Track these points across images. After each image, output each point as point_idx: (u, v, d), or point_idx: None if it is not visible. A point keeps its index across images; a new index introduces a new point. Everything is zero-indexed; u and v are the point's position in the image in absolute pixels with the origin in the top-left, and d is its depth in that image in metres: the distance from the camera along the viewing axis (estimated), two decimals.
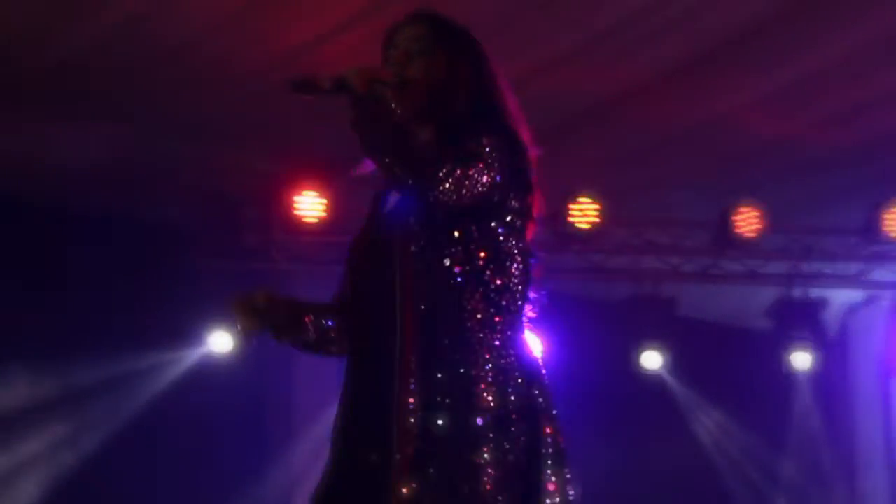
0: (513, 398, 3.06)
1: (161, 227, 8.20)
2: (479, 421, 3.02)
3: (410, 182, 3.07)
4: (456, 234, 3.12)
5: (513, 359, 3.10)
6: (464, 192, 3.04)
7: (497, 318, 3.11)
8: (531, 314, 3.27)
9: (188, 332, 8.34)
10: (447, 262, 3.11)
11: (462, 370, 3.05)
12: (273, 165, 7.93)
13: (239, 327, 3.34)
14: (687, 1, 6.52)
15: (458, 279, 3.10)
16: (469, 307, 3.09)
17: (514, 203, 3.18)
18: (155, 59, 7.05)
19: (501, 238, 3.15)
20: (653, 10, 6.58)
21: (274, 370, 8.53)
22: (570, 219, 8.15)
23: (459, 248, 3.11)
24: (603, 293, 9.02)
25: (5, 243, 7.79)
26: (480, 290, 3.10)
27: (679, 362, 8.91)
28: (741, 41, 6.88)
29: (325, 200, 8.11)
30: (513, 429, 3.04)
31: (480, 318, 3.09)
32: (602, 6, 6.61)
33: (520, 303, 3.18)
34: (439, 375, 3.05)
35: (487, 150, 3.09)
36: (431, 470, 2.98)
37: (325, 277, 8.37)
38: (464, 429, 3.02)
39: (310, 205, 8.14)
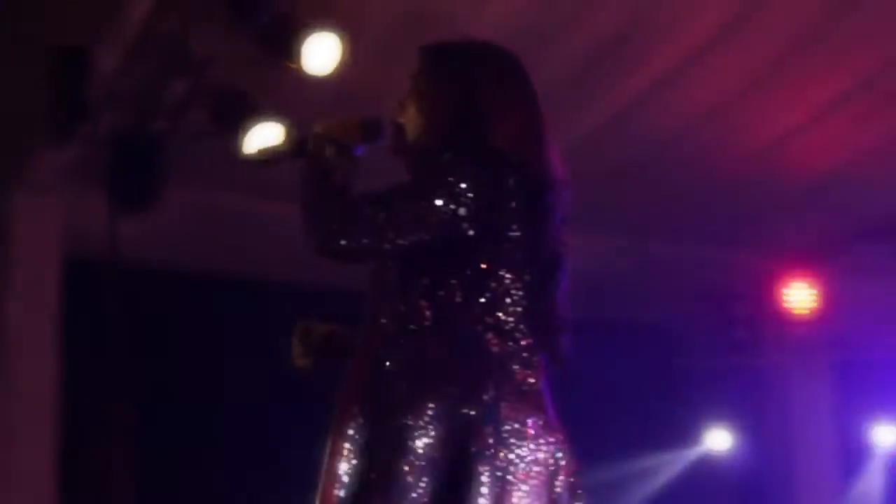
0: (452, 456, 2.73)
1: (652, 327, 8.30)
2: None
3: (312, 240, 2.80)
4: (426, 280, 2.84)
5: (466, 408, 2.74)
6: (387, 235, 2.75)
7: (461, 364, 2.78)
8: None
9: (685, 432, 8.37)
10: (411, 308, 2.82)
11: (394, 424, 2.74)
12: (761, 259, 7.89)
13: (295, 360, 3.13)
14: None
15: (421, 325, 2.81)
16: (426, 353, 2.79)
17: (508, 232, 2.83)
18: (636, 163, 7.19)
19: (486, 275, 2.83)
20: None
21: (773, 467, 8.42)
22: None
23: (428, 293, 2.83)
24: None
25: None
26: (445, 336, 2.80)
27: None
28: None
29: (815, 291, 7.98)
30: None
31: (437, 366, 2.78)
32: None
33: (510, 342, 2.82)
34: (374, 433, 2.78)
35: (437, 185, 2.78)
36: None
37: (817, 370, 8.31)
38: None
39: (800, 296, 8.02)
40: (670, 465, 8.52)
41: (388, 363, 2.81)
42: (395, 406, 2.75)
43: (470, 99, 2.96)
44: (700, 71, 6.40)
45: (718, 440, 8.44)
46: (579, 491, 2.90)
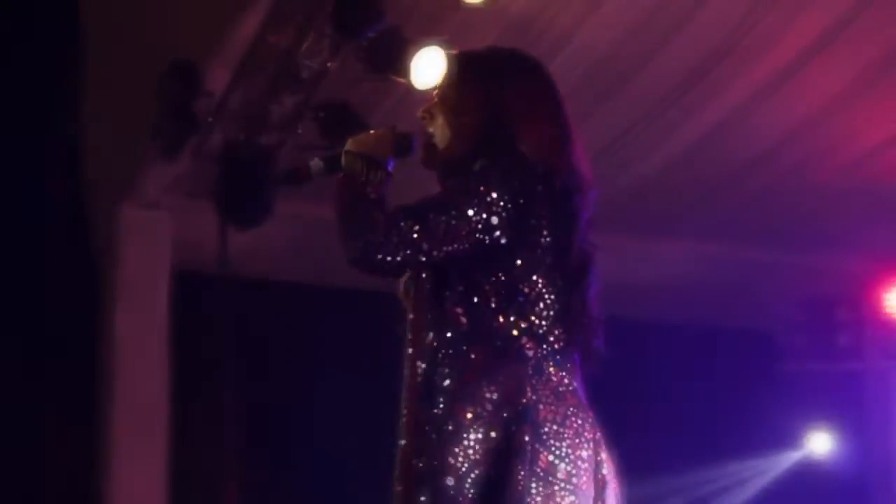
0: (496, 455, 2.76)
1: (755, 333, 8.29)
2: (450, 482, 2.75)
3: (350, 256, 2.81)
4: (460, 287, 2.88)
5: (507, 412, 2.78)
6: (423, 248, 2.78)
7: (500, 368, 2.82)
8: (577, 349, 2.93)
9: (787, 436, 8.36)
10: (449, 315, 2.87)
11: (449, 428, 2.79)
12: (864, 264, 7.85)
13: None
14: None
15: (460, 331, 2.85)
16: (469, 358, 2.83)
17: (540, 238, 2.87)
18: (738, 170, 7.17)
19: (518, 280, 2.86)
20: None
21: (874, 470, 8.38)
22: None
23: (464, 299, 2.87)
24: None
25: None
26: (483, 341, 2.85)
27: None
28: None
29: None
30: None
31: (478, 370, 2.82)
32: None
33: (545, 346, 2.85)
34: (433, 435, 2.81)
35: (469, 195, 2.81)
36: None
37: None
38: (436, 491, 2.78)
39: None
40: (772, 469, 8.52)
41: (435, 371, 2.86)
42: (439, 414, 2.81)
43: (498, 109, 2.98)
44: (805, 76, 6.37)
45: (820, 444, 8.42)
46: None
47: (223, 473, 6.87)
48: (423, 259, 2.81)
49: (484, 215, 2.82)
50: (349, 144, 2.97)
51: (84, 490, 7.13)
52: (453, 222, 2.80)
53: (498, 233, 2.83)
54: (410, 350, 2.93)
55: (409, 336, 2.94)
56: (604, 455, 2.87)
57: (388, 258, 2.78)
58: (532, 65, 3.14)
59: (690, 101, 6.56)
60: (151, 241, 6.97)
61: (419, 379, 2.87)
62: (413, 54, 5.76)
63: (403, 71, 5.78)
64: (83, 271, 7.31)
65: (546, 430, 2.77)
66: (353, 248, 2.80)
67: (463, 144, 2.98)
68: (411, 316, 2.96)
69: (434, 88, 3.13)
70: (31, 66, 7.32)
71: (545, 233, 2.87)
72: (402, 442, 2.88)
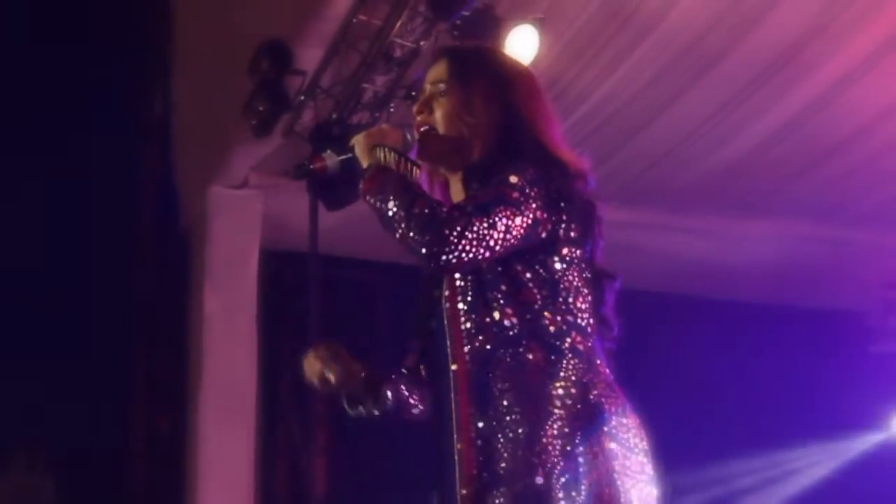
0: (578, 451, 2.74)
1: (844, 314, 8.23)
2: (540, 480, 2.73)
3: (423, 253, 2.74)
4: (503, 286, 2.85)
5: (579, 406, 2.78)
6: (490, 244, 2.74)
7: (561, 365, 2.81)
8: (610, 343, 2.95)
9: (871, 417, 8.34)
10: (497, 316, 2.84)
11: (521, 430, 2.77)
12: None
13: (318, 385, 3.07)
14: None
15: (511, 332, 2.83)
16: (526, 358, 2.81)
17: (570, 233, 2.87)
18: (823, 151, 7.10)
19: (558, 275, 2.85)
20: None
21: None
22: None
23: (509, 299, 2.84)
24: None
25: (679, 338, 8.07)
26: (537, 339, 2.82)
27: None
28: None
29: None
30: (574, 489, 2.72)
31: (540, 369, 2.79)
32: None
33: (590, 340, 2.87)
34: (499, 437, 2.79)
35: (516, 190, 2.78)
36: None
37: None
38: (524, 490, 2.75)
39: None
40: (854, 449, 8.52)
41: (489, 374, 2.84)
42: (504, 417, 2.80)
43: (510, 109, 2.98)
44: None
45: None
46: None
47: (310, 449, 6.92)
48: (490, 255, 2.78)
49: (535, 211, 2.81)
50: (369, 139, 2.94)
51: (174, 465, 7.19)
52: (515, 219, 2.78)
53: (540, 228, 2.83)
54: (452, 351, 2.90)
55: (450, 341, 2.92)
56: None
57: (464, 255, 2.74)
58: (526, 69, 3.16)
59: (782, 81, 6.50)
60: (241, 220, 7.00)
61: (472, 382, 2.86)
62: (506, 32, 5.75)
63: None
64: (173, 250, 7.37)
65: (615, 423, 2.79)
66: (425, 245, 2.74)
67: (483, 145, 2.98)
68: (449, 322, 2.93)
69: (429, 82, 3.07)
70: (121, 46, 7.39)
71: (573, 226, 2.88)
72: (459, 447, 2.85)
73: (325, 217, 6.29)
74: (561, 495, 2.72)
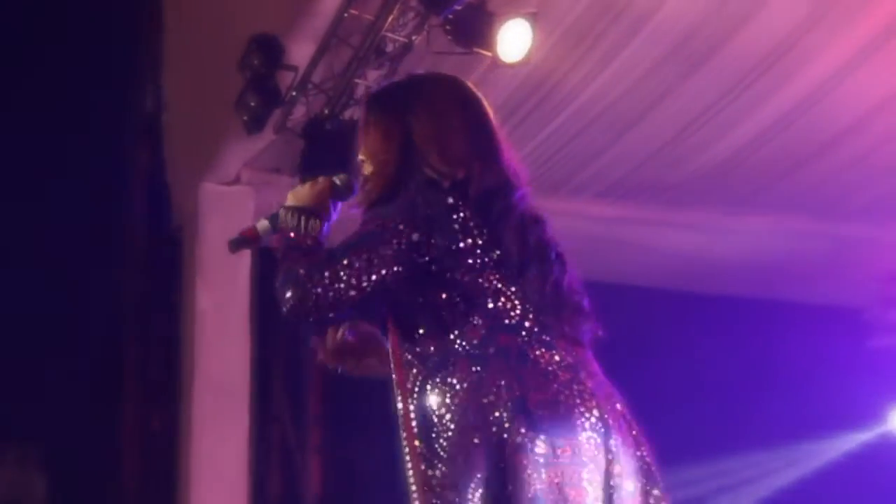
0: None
1: (842, 310, 8.22)
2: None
3: (288, 307, 2.85)
4: (423, 313, 2.94)
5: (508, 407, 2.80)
6: (354, 282, 2.81)
7: (488, 372, 2.84)
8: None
9: (869, 412, 8.35)
10: (420, 346, 2.93)
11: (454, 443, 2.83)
12: None
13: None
14: None
15: (437, 356, 2.90)
16: (457, 376, 2.86)
17: (476, 240, 2.91)
18: (820, 144, 7.08)
19: (470, 285, 2.90)
20: None
21: None
22: None
23: (431, 324, 2.92)
24: None
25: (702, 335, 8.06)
26: (461, 355, 2.87)
27: None
28: None
29: None
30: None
31: (469, 384, 2.84)
32: None
33: (521, 336, 2.88)
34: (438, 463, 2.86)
35: (376, 226, 2.87)
36: None
37: None
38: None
39: None
40: (852, 444, 8.53)
41: (422, 401, 2.90)
42: (443, 437, 2.85)
43: (404, 138, 3.03)
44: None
45: None
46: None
47: (304, 448, 6.90)
48: (354, 293, 2.83)
49: (395, 243, 2.86)
50: (288, 199, 3.03)
51: (166, 464, 7.17)
52: (372, 256, 2.83)
53: (414, 255, 2.89)
54: (397, 382, 2.97)
55: (395, 375, 2.97)
56: (614, 426, 2.85)
57: (322, 298, 2.80)
58: (440, 85, 3.17)
59: (775, 75, 6.47)
60: (233, 216, 6.93)
61: (412, 415, 2.92)
62: (498, 27, 5.73)
63: (489, 44, 5.75)
64: (165, 247, 7.34)
65: (539, 414, 2.78)
66: (285, 297, 2.84)
67: (381, 180, 3.03)
68: (392, 371, 2.99)
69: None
70: (111, 43, 7.37)
71: (475, 234, 2.91)
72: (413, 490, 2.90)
73: None
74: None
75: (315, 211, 2.98)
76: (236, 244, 3.19)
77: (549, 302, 2.93)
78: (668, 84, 6.54)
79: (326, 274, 2.80)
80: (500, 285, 2.90)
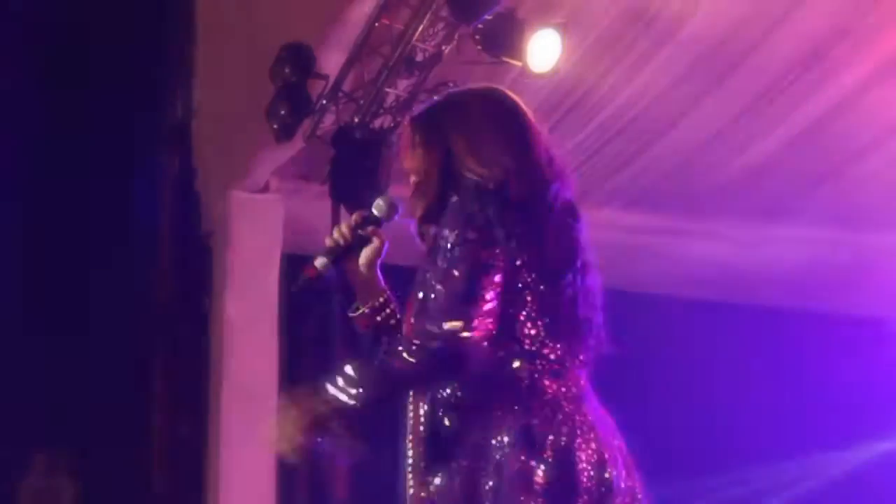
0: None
1: (863, 319, 8.21)
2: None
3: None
4: None
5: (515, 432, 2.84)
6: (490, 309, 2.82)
7: (499, 395, 2.88)
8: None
9: (888, 422, 8.34)
10: None
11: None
12: None
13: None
14: None
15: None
16: (468, 395, 2.90)
17: (514, 256, 2.91)
18: (848, 154, 7.08)
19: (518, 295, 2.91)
20: None
21: None
22: None
23: None
24: None
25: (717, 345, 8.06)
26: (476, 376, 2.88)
27: None
28: None
29: None
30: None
31: (479, 404, 2.89)
32: None
33: (540, 360, 2.91)
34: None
35: (478, 249, 2.85)
36: None
37: None
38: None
39: None
40: (874, 453, 8.52)
41: (433, 416, 2.94)
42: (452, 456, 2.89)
43: (444, 155, 3.06)
44: None
45: None
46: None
47: (331, 455, 6.90)
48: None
49: (513, 261, 2.88)
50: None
51: (194, 471, 7.19)
52: (494, 276, 2.85)
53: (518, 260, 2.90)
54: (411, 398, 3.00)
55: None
56: (610, 459, 2.88)
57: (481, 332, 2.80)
58: (474, 97, 3.21)
59: (804, 86, 6.49)
60: (263, 224, 7.00)
61: (421, 426, 2.97)
62: (528, 37, 5.75)
63: (518, 54, 5.77)
64: (195, 255, 7.37)
65: (541, 443, 2.83)
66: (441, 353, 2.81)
67: (426, 191, 3.07)
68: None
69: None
70: (142, 50, 7.40)
71: (513, 246, 2.90)
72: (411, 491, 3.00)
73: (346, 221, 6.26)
74: None
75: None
76: (302, 284, 3.20)
77: (564, 323, 2.94)
78: (696, 94, 6.55)
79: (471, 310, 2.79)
80: (528, 308, 2.91)
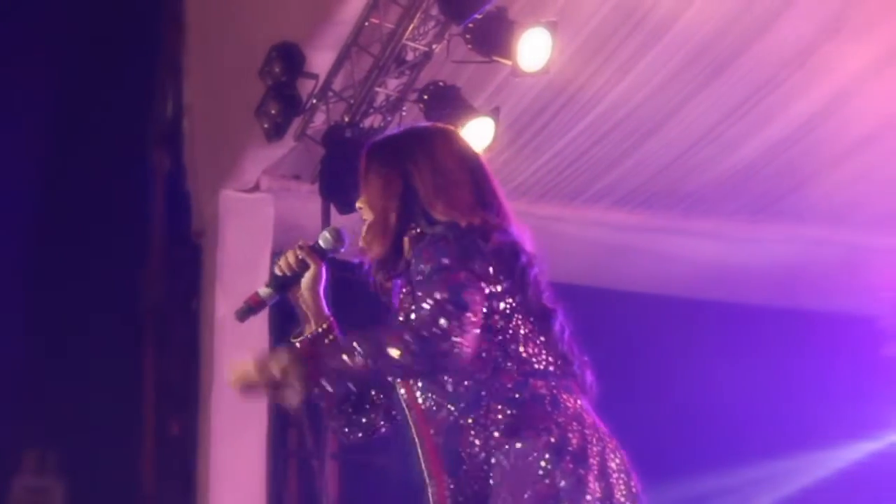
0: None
1: (850, 317, 8.22)
2: None
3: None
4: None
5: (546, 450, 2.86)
6: (468, 329, 2.79)
7: (525, 415, 2.90)
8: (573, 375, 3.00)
9: (880, 421, 8.34)
10: (450, 388, 2.93)
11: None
12: None
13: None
14: None
15: (469, 398, 2.92)
16: (490, 419, 2.91)
17: (498, 286, 2.92)
18: (836, 153, 7.09)
19: (502, 330, 2.93)
20: None
21: None
22: None
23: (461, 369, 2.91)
24: None
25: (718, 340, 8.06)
26: (496, 398, 2.90)
27: None
28: None
29: None
30: None
31: (506, 425, 2.89)
32: None
33: (553, 380, 2.94)
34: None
35: (458, 271, 2.85)
36: None
37: None
38: None
39: None
40: (866, 451, 8.52)
41: (457, 442, 2.92)
42: (484, 477, 2.91)
43: (409, 186, 3.01)
44: None
45: None
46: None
47: (322, 455, 6.90)
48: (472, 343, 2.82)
49: (495, 286, 2.92)
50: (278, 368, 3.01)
51: (184, 469, 7.19)
52: (476, 295, 2.86)
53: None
54: (417, 431, 2.98)
55: (413, 423, 2.99)
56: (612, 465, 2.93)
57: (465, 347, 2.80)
58: (436, 137, 3.17)
59: (794, 84, 6.50)
60: (253, 223, 6.98)
61: (441, 452, 2.94)
62: (519, 36, 5.75)
63: (509, 53, 5.77)
64: (185, 254, 7.37)
65: (577, 455, 2.86)
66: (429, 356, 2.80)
67: (382, 227, 3.03)
68: (408, 407, 2.99)
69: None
70: (132, 50, 7.40)
71: (501, 278, 2.93)
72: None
73: (336, 220, 6.27)
74: None
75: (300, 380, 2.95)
76: (243, 314, 3.28)
77: (566, 350, 2.99)
78: (686, 93, 6.56)
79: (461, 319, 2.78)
80: (526, 331, 2.95)
